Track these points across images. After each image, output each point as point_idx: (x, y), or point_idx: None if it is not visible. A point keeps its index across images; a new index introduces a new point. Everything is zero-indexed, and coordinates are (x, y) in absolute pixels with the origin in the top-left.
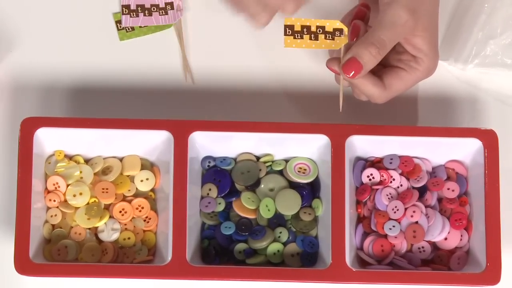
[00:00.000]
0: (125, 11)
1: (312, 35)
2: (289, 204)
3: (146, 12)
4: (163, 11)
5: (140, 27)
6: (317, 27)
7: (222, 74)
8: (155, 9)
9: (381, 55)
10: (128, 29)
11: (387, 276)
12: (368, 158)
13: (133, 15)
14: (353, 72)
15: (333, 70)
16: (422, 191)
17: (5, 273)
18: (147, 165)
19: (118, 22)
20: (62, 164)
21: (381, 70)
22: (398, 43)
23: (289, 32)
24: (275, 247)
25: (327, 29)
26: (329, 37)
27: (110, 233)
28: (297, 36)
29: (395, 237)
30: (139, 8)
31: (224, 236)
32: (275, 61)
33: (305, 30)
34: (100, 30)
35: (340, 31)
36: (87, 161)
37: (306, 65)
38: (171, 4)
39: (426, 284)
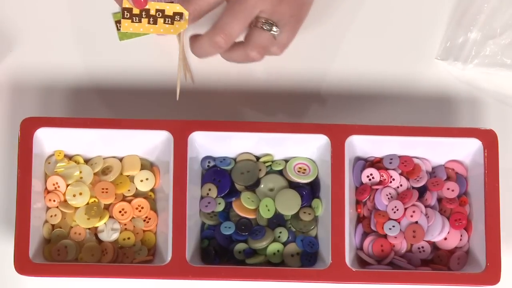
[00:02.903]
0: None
1: (151, 19)
2: (289, 204)
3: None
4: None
5: None
6: (157, 10)
7: (222, 74)
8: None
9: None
10: None
11: (387, 276)
12: (367, 158)
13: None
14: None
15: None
16: (422, 191)
17: (5, 273)
18: (147, 165)
19: (118, 22)
20: (62, 164)
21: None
22: None
23: (127, 15)
24: (275, 247)
25: (166, 12)
26: (168, 21)
27: (110, 233)
28: (135, 20)
29: (395, 237)
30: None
31: (224, 236)
32: (275, 61)
33: (143, 13)
34: (100, 30)
35: (180, 15)
36: (87, 161)
37: (306, 65)
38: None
39: (426, 284)
